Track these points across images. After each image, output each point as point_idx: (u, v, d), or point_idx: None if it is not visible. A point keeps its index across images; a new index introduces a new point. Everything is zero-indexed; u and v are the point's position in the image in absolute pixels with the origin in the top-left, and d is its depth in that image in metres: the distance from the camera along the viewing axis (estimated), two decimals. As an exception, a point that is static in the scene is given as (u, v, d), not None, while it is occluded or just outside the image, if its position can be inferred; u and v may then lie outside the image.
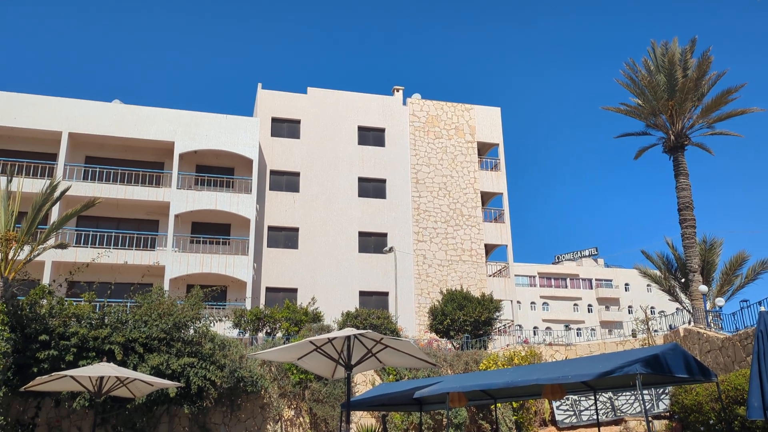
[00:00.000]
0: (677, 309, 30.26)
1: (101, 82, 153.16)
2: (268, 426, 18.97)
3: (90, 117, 31.30)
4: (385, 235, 35.05)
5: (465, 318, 25.31)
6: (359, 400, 14.04)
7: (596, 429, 18.63)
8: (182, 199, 31.17)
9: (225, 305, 30.08)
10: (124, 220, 31.80)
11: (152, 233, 31.48)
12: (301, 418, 19.34)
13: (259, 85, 36.17)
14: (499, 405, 19.30)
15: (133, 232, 30.95)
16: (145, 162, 32.89)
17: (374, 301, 33.27)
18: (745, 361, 17.18)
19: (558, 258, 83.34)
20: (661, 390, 18.75)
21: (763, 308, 9.26)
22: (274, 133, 35.44)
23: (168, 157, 32.71)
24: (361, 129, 36.86)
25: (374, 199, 35.59)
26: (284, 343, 20.53)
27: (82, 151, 32.06)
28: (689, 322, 24.94)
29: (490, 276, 36.28)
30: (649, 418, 18.22)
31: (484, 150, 39.32)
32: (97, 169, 31.43)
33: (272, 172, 34.67)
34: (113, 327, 16.13)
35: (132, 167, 32.24)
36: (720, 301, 25.76)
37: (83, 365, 14.98)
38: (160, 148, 32.63)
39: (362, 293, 33.61)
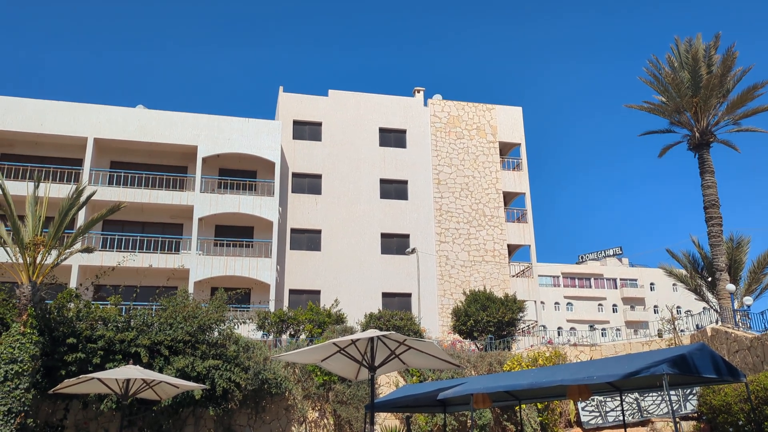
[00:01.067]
0: (704, 308, 29.80)
1: (125, 87, 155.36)
2: (293, 428, 19.06)
3: (114, 122, 31.76)
4: (407, 236, 35.04)
5: (488, 319, 25.20)
6: (383, 401, 14.05)
7: (622, 430, 18.41)
8: (205, 203, 31.47)
9: (249, 308, 30.30)
10: (149, 224, 32.20)
11: (176, 237, 31.84)
12: (325, 420, 19.41)
13: (281, 88, 36.41)
14: (523, 406, 19.17)
15: (157, 236, 31.32)
16: (169, 166, 33.28)
17: (397, 302, 33.27)
18: (775, 361, 16.87)
19: (582, 258, 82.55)
20: (689, 391, 18.49)
21: (792, 307, 9.09)
22: (296, 135, 35.64)
23: (191, 161, 33.05)
24: (382, 130, 36.91)
25: (396, 201, 35.60)
26: (308, 345, 20.63)
27: (107, 156, 32.54)
28: (716, 322, 24.56)
29: (513, 276, 36.07)
30: (677, 419, 17.97)
31: (506, 150, 39.13)
32: (122, 174, 31.87)
33: (294, 175, 34.86)
34: (139, 330, 16.33)
35: (156, 171, 32.63)
36: (748, 300, 25.31)
37: (110, 368, 15.19)
38: (184, 152, 32.99)
39: (385, 294, 33.63)
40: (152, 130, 32.07)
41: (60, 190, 27.61)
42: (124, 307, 17.70)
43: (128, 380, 13.02)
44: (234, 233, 32.87)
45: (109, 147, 32.37)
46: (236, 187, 33.49)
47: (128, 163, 32.72)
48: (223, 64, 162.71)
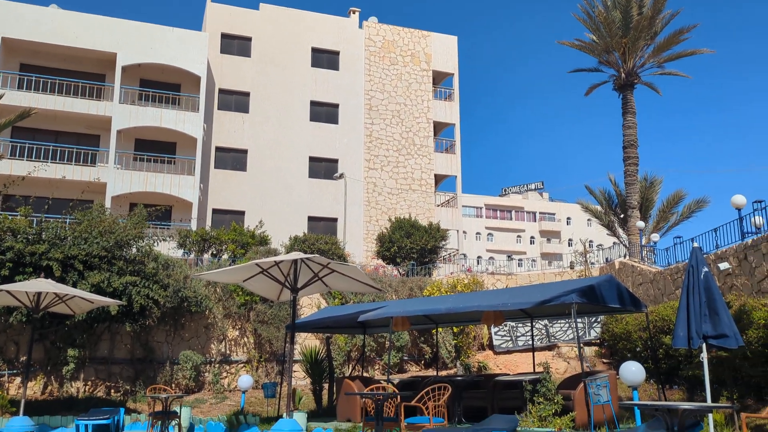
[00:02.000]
0: (614, 243, 31.41)
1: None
2: (212, 345, 19.12)
3: (24, 21, 29.38)
4: (336, 161, 34.78)
5: (412, 246, 25.67)
6: (304, 321, 14.23)
7: (531, 354, 19.49)
8: (125, 114, 30.01)
9: (170, 225, 29.61)
10: (63, 134, 30.50)
11: (93, 148, 30.38)
12: (245, 339, 19.54)
13: (209, -3, 34.53)
14: (440, 329, 19.90)
15: (72, 147, 29.77)
16: (86, 73, 31.31)
17: (323, 226, 33.33)
18: (674, 293, 18.08)
19: (505, 191, 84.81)
20: (594, 319, 19.65)
21: (696, 244, 9.65)
22: (224, 50, 34.13)
23: (110, 69, 31.20)
24: (315, 51, 35.84)
25: (326, 124, 35.06)
26: (230, 265, 20.47)
27: (16, 57, 30.24)
28: (625, 256, 25.97)
29: (438, 206, 36.68)
30: (581, 345, 19.13)
31: (439, 79, 38.94)
32: (33, 78, 29.79)
33: (221, 91, 33.60)
34: (51, 243, 15.68)
35: (71, 78, 30.65)
36: (655, 236, 26.81)
37: (20, 281, 14.60)
38: (102, 59, 31.05)
39: (311, 218, 33.58)
40: (67, 32, 29.90)
41: (-37, 92, 25.59)
42: (35, 219, 16.90)
43: (39, 293, 12.57)
44: (155, 148, 31.65)
45: (19, 48, 30.05)
46: (158, 100, 32.01)
47: (40, 67, 30.55)
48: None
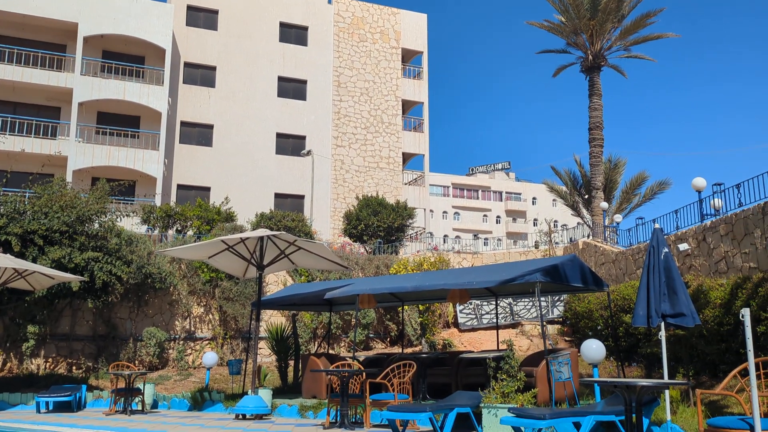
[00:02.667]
0: (578, 223, 31.92)
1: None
2: (176, 322, 18.96)
3: (-20, -13, 28.28)
4: (303, 137, 34.49)
5: (379, 224, 25.70)
6: (270, 299, 14.18)
7: (495, 331, 19.78)
8: (87, 87, 29.22)
9: (133, 200, 29.11)
10: (22, 105, 29.58)
11: (53, 121, 29.57)
12: (210, 316, 19.42)
13: (174, -33, 33.64)
14: (406, 307, 20.04)
15: (31, 119, 28.94)
16: (46, 43, 30.34)
17: (290, 203, 33.13)
18: (635, 273, 18.49)
19: (472, 170, 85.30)
20: (557, 298, 20.00)
21: (657, 225, 9.85)
22: (190, 22, 33.38)
23: (71, 39, 30.28)
24: (282, 25, 35.30)
25: (294, 101, 34.69)
26: (195, 242, 20.25)
27: (-28, 25, 29.15)
28: (588, 236, 26.43)
29: (405, 184, 36.73)
30: (544, 323, 19.49)
31: (408, 57, 38.76)
32: (-10, 47, 28.77)
33: (186, 65, 32.92)
34: (9, 217, 15.29)
35: (30, 48, 29.67)
36: (618, 217, 27.31)
37: (-23, 256, 14.22)
38: (62, 29, 30.10)
39: (278, 195, 33.34)
40: (26, 0, 28.86)
41: None
42: (-8, 192, 16.45)
43: (-3, 269, 12.29)
44: (118, 122, 30.94)
45: (-26, 15, 28.96)
46: (122, 73, 31.22)
47: (-3, 35, 29.51)
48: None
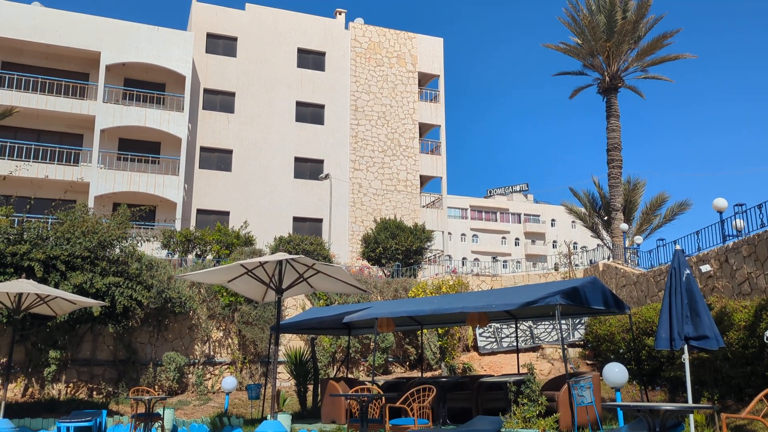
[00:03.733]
0: (598, 245, 31.64)
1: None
2: (196, 346, 19.00)
3: (6, 18, 29.05)
4: (321, 161, 34.73)
5: (397, 247, 25.69)
6: (289, 323, 14.18)
7: (515, 355, 19.57)
8: (109, 114, 29.77)
9: (153, 225, 29.41)
10: (46, 133, 30.19)
11: (76, 148, 30.10)
12: (229, 340, 19.45)
13: (194, -4, 34.34)
14: (425, 331, 19.92)
15: (55, 146, 29.48)
16: (69, 72, 31.02)
17: (308, 227, 33.26)
18: (657, 295, 18.25)
19: (490, 192, 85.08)
20: (578, 320, 19.77)
21: (678, 246, 9.75)
22: (209, 49, 33.97)
23: (93, 68, 30.94)
24: (300, 51, 35.78)
25: (312, 125, 35.01)
26: (215, 266, 20.36)
27: (-2, 56, 29.90)
28: (608, 258, 26.17)
29: (423, 207, 36.74)
30: (565, 346, 19.27)
31: (425, 81, 39.03)
32: (15, 76, 29.45)
33: (206, 91, 33.44)
34: (33, 243, 15.50)
35: (54, 77, 30.34)
36: (638, 239, 27.04)
37: (1, 281, 14.42)
38: (85, 57, 30.78)
39: (296, 219, 33.50)
40: (49, 30, 29.60)
41: (-57, 90, 25.24)
42: (16, 219, 16.71)
43: (20, 294, 12.43)
44: (139, 148, 31.43)
45: (0, 46, 29.70)
46: (143, 100, 31.78)
47: (22, 65, 30.23)
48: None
